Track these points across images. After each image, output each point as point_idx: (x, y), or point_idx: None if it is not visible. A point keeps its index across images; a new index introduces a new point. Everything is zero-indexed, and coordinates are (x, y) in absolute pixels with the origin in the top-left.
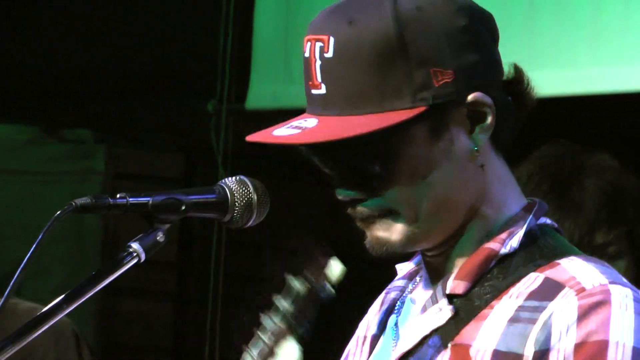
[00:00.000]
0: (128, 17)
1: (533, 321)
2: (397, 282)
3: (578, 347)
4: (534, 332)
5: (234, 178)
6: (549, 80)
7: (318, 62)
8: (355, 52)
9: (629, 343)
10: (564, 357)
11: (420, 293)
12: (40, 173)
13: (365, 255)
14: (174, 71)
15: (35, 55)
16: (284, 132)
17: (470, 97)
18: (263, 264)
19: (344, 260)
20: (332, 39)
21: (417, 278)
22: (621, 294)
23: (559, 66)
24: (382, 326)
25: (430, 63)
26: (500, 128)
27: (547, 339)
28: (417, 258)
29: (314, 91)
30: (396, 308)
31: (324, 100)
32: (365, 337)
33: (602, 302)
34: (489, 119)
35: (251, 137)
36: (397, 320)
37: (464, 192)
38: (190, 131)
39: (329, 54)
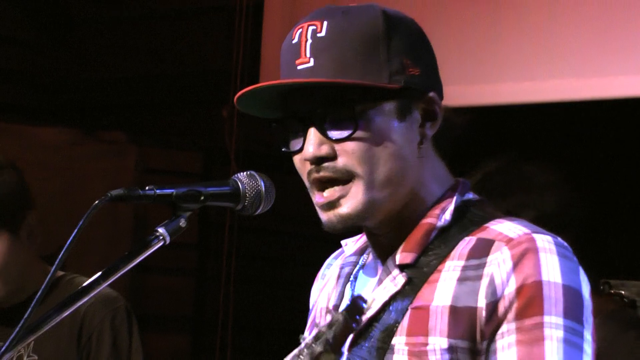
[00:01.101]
0: (158, 39)
1: (479, 277)
2: (349, 259)
3: (519, 290)
4: (482, 288)
5: (245, 173)
6: (509, 91)
7: (309, 42)
8: (346, 33)
9: (559, 281)
10: (510, 302)
11: (372, 268)
12: (81, 169)
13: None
14: (194, 83)
15: (79, 70)
16: (268, 82)
17: (429, 95)
18: (269, 246)
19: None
20: (325, 22)
21: (365, 255)
22: (544, 240)
23: (520, 78)
24: (341, 297)
25: (405, 55)
26: (442, 131)
27: (494, 291)
28: (359, 243)
29: (300, 67)
30: (351, 280)
31: (311, 71)
32: (327, 308)
33: (530, 249)
34: (438, 119)
35: (258, 85)
36: (352, 292)
37: (409, 173)
38: (208, 133)
39: (322, 34)
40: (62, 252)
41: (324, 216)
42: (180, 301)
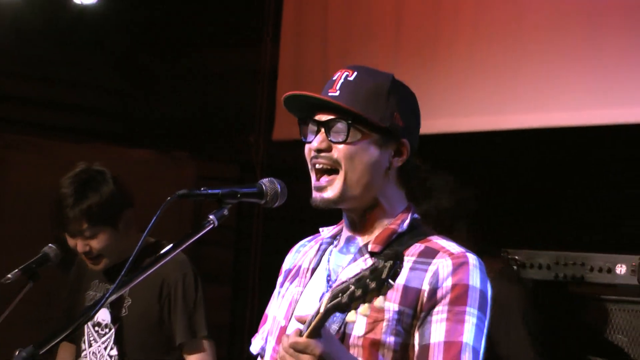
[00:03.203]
0: (208, 87)
1: (425, 270)
2: (326, 240)
3: (453, 286)
4: (427, 277)
5: (267, 179)
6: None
7: (341, 80)
8: (364, 82)
9: (477, 286)
10: (446, 291)
11: (344, 249)
12: (155, 177)
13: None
14: (232, 119)
15: (152, 107)
16: (306, 92)
17: (402, 140)
18: (283, 228)
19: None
20: (355, 72)
21: (336, 241)
22: (473, 258)
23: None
24: (318, 262)
25: (396, 110)
26: (404, 168)
27: (436, 281)
28: (333, 230)
29: (330, 93)
30: (328, 254)
31: (335, 97)
32: (308, 269)
33: (465, 262)
34: (404, 158)
35: (289, 93)
36: (328, 262)
37: (375, 184)
38: (242, 153)
39: (350, 78)
40: (143, 235)
41: (314, 194)
42: (223, 266)
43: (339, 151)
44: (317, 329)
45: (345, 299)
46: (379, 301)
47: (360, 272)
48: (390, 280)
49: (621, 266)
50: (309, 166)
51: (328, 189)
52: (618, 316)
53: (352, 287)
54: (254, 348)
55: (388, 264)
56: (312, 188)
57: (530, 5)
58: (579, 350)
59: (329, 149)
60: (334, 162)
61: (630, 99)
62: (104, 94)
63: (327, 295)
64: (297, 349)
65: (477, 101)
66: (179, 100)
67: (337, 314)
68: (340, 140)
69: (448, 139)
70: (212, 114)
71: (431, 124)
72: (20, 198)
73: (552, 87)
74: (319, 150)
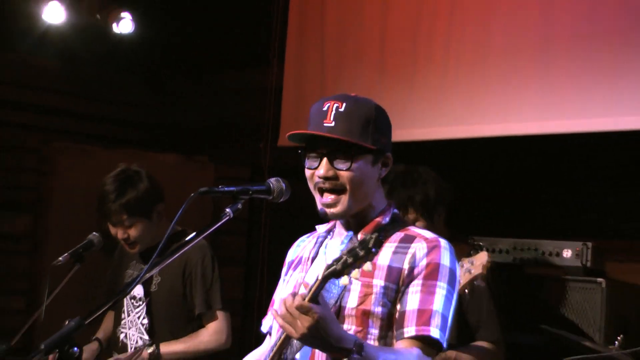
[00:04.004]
0: (225, 103)
1: (405, 253)
2: (322, 235)
3: (427, 264)
4: (407, 258)
5: (274, 178)
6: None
7: (333, 112)
8: (355, 113)
9: (447, 265)
10: (421, 269)
11: (337, 242)
12: (179, 177)
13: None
14: (243, 126)
15: (177, 118)
16: (311, 131)
17: (387, 154)
18: (286, 218)
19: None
20: (344, 103)
21: (330, 235)
22: (444, 242)
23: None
24: (316, 253)
25: (380, 132)
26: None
27: (414, 261)
28: (328, 226)
29: (325, 124)
30: (324, 246)
31: (332, 129)
32: (309, 258)
33: (437, 246)
34: (388, 167)
35: (294, 132)
36: (325, 251)
37: (370, 193)
38: (252, 156)
39: (341, 109)
40: (173, 221)
41: (323, 209)
42: (237, 250)
43: (344, 177)
44: (317, 295)
45: (339, 267)
46: (367, 265)
47: (351, 246)
48: (375, 249)
49: (567, 251)
50: (312, 186)
51: (337, 206)
52: (565, 292)
53: (345, 257)
54: (264, 327)
55: (374, 236)
56: (319, 203)
57: (494, 32)
58: (533, 320)
59: (335, 177)
60: (340, 185)
61: (573, 112)
62: (136, 108)
63: (324, 266)
64: (301, 311)
65: (449, 114)
66: (200, 112)
67: (334, 289)
68: (345, 168)
69: (425, 145)
70: (228, 124)
71: (410, 132)
72: (68, 194)
73: (513, 102)
74: (326, 178)
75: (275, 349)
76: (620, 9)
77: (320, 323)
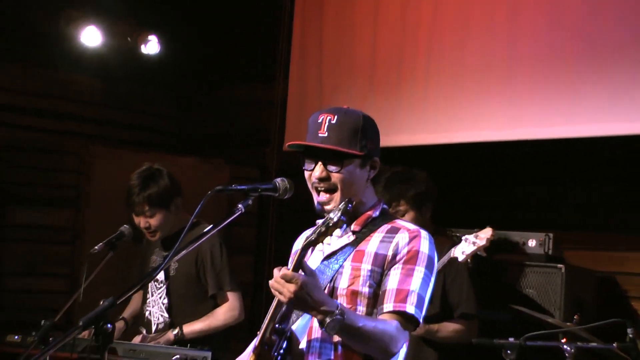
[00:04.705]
0: (240, 114)
1: (390, 242)
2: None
3: (408, 251)
4: (391, 246)
5: (279, 178)
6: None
7: (327, 124)
8: (344, 124)
9: (426, 252)
10: (403, 255)
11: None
12: (197, 178)
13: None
14: (253, 133)
15: (196, 127)
16: (307, 142)
17: (375, 158)
18: (289, 212)
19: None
20: (336, 116)
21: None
22: (424, 232)
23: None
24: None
25: (368, 139)
26: (376, 177)
27: (397, 248)
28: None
29: (320, 134)
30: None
31: (326, 138)
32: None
33: (417, 235)
34: (376, 170)
35: (293, 142)
36: (323, 244)
37: (360, 192)
38: (261, 160)
39: (333, 122)
40: (194, 214)
41: (319, 206)
42: (248, 240)
43: (335, 178)
44: (299, 264)
45: (314, 236)
46: (336, 232)
47: (325, 221)
48: (343, 217)
49: (532, 241)
50: (310, 185)
51: (330, 203)
52: (529, 276)
53: (319, 228)
54: None
55: (342, 207)
56: (315, 201)
57: (468, 52)
58: (502, 300)
59: (328, 178)
60: (333, 185)
61: (534, 121)
62: (161, 118)
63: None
64: (285, 279)
65: (430, 122)
66: (216, 121)
67: (328, 272)
68: (336, 170)
69: (409, 150)
70: (240, 131)
71: (396, 138)
72: (103, 192)
73: (484, 112)
74: (320, 179)
75: (268, 316)
76: (573, 37)
77: (303, 288)
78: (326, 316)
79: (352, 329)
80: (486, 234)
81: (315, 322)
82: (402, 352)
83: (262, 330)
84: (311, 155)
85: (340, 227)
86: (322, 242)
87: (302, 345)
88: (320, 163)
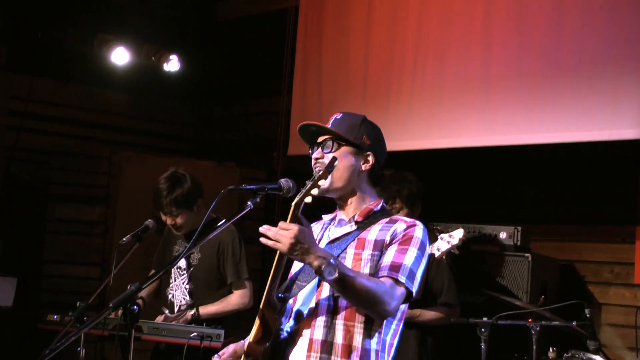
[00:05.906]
0: (252, 123)
1: (388, 230)
2: (326, 222)
3: (403, 235)
4: (389, 233)
5: (284, 179)
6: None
7: (332, 119)
8: (346, 120)
9: (420, 237)
10: (398, 238)
11: (338, 226)
12: (212, 179)
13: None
14: (262, 140)
15: (211, 135)
16: (311, 121)
17: (367, 153)
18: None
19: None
20: (341, 115)
21: (332, 222)
22: (419, 223)
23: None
24: (321, 236)
25: (364, 134)
26: (372, 173)
27: (394, 234)
28: (331, 215)
29: (325, 126)
30: (328, 230)
31: (327, 128)
32: (316, 239)
33: (413, 225)
34: (368, 164)
35: (301, 123)
36: (328, 235)
37: (351, 181)
38: (268, 163)
39: (339, 117)
40: (209, 210)
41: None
42: (257, 233)
43: (328, 158)
44: (294, 218)
45: (303, 192)
46: (321, 182)
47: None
48: (328, 170)
49: (503, 233)
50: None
51: (321, 185)
52: (501, 264)
53: (306, 184)
54: None
55: (328, 163)
56: None
57: (447, 68)
58: (476, 285)
59: (322, 158)
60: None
61: (505, 129)
62: (182, 127)
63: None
64: (281, 228)
65: (414, 130)
66: (229, 130)
67: (335, 253)
68: (328, 151)
69: (396, 154)
70: (250, 138)
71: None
72: (131, 191)
73: (461, 121)
74: (317, 159)
75: (272, 273)
76: (538, 58)
77: (299, 235)
78: (322, 262)
79: (348, 277)
80: (458, 234)
81: (320, 292)
82: (395, 323)
83: (266, 292)
84: (315, 143)
85: (325, 178)
86: (310, 194)
87: (307, 311)
88: (320, 148)
